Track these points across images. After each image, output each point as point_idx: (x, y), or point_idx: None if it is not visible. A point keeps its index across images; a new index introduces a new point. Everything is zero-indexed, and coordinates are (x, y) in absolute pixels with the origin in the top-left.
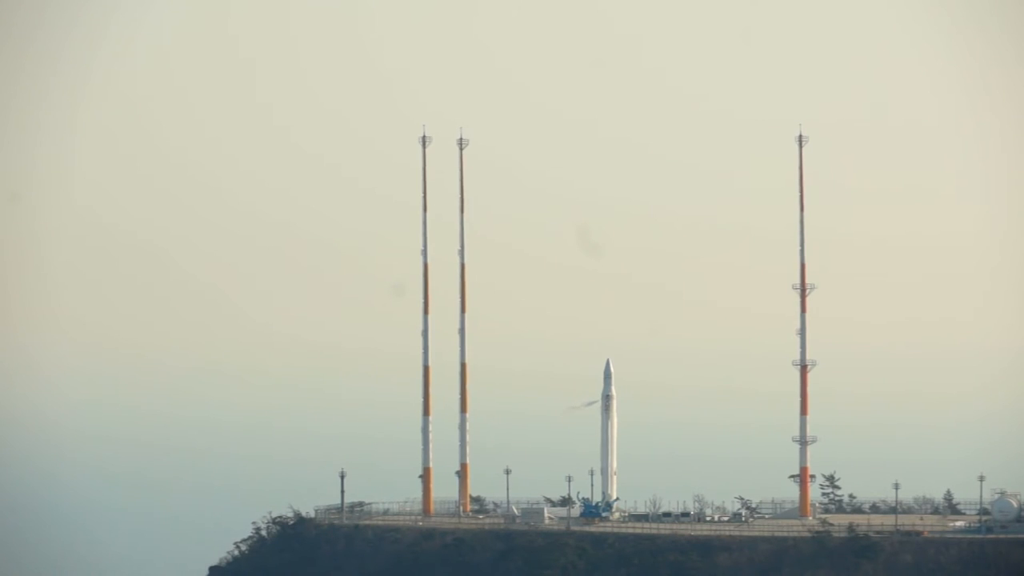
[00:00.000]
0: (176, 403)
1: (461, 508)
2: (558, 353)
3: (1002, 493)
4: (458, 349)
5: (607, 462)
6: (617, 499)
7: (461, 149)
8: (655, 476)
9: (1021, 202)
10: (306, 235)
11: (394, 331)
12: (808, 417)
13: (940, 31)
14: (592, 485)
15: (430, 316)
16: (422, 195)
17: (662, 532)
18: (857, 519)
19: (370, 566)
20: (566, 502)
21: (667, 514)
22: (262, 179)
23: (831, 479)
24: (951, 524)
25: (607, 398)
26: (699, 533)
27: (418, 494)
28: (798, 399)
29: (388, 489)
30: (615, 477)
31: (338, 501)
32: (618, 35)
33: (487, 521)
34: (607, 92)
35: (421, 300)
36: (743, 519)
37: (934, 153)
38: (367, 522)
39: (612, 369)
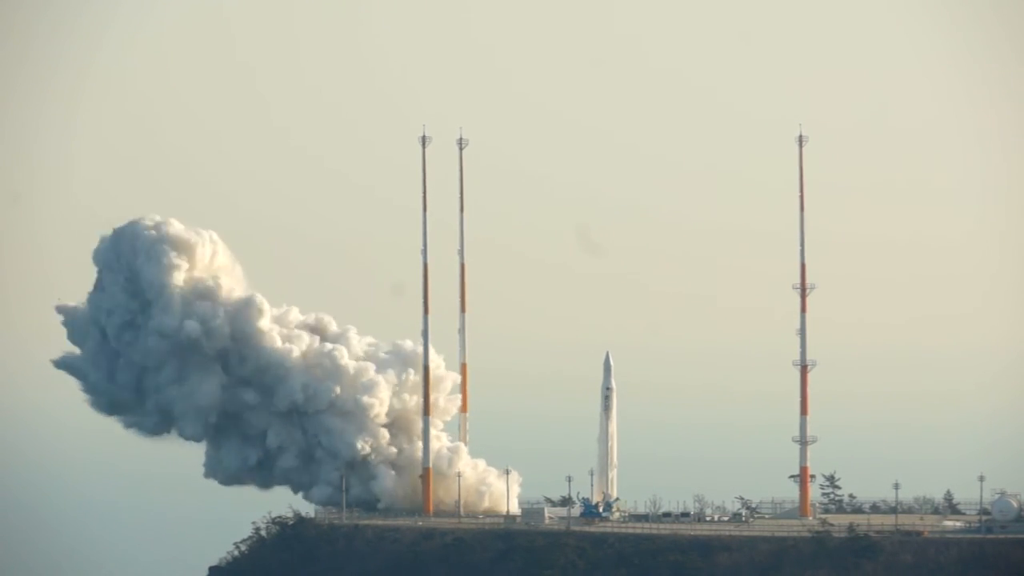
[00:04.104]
0: None
1: (461, 508)
2: (558, 353)
3: (1002, 493)
4: (458, 349)
5: (606, 461)
6: (617, 499)
7: (461, 149)
8: (655, 476)
9: (1021, 202)
10: (306, 235)
11: (394, 331)
12: (808, 417)
13: (940, 31)
14: (592, 485)
15: (430, 316)
16: (422, 195)
17: (662, 532)
18: (857, 519)
19: (370, 566)
20: (566, 502)
21: (667, 514)
22: (262, 179)
23: (831, 479)
24: (945, 524)
25: (607, 390)
26: (699, 533)
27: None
28: (798, 399)
29: None
30: (615, 471)
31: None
32: (618, 35)
33: (487, 521)
34: (607, 92)
35: (421, 300)
36: (743, 519)
37: (934, 152)
38: (367, 522)
39: (612, 362)
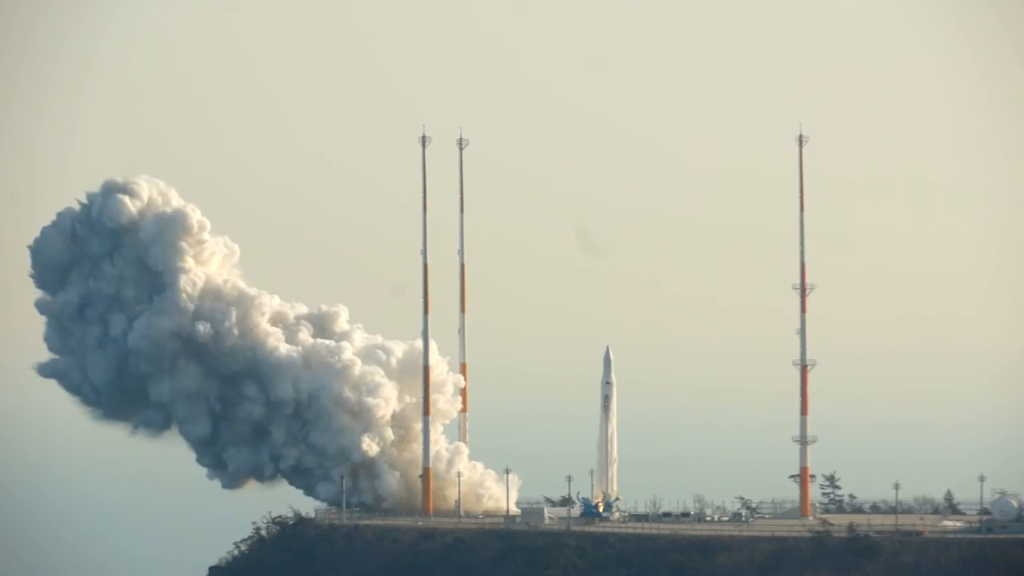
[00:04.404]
0: None
1: (460, 508)
2: (558, 353)
3: (1002, 493)
4: (458, 349)
5: (606, 459)
6: (618, 499)
7: (461, 149)
8: (655, 476)
9: (1022, 201)
10: (305, 234)
11: (394, 331)
12: (808, 417)
13: (941, 30)
14: (592, 485)
15: (430, 316)
16: (422, 195)
17: (662, 532)
18: (857, 519)
19: (370, 566)
20: (566, 502)
21: (667, 514)
22: (262, 178)
23: (831, 479)
24: (943, 524)
25: (607, 384)
26: (699, 533)
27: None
28: (798, 399)
29: None
30: (615, 466)
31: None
32: (619, 34)
33: (487, 521)
34: (608, 92)
35: (421, 300)
36: (743, 519)
37: (935, 152)
38: (367, 522)
39: (612, 356)
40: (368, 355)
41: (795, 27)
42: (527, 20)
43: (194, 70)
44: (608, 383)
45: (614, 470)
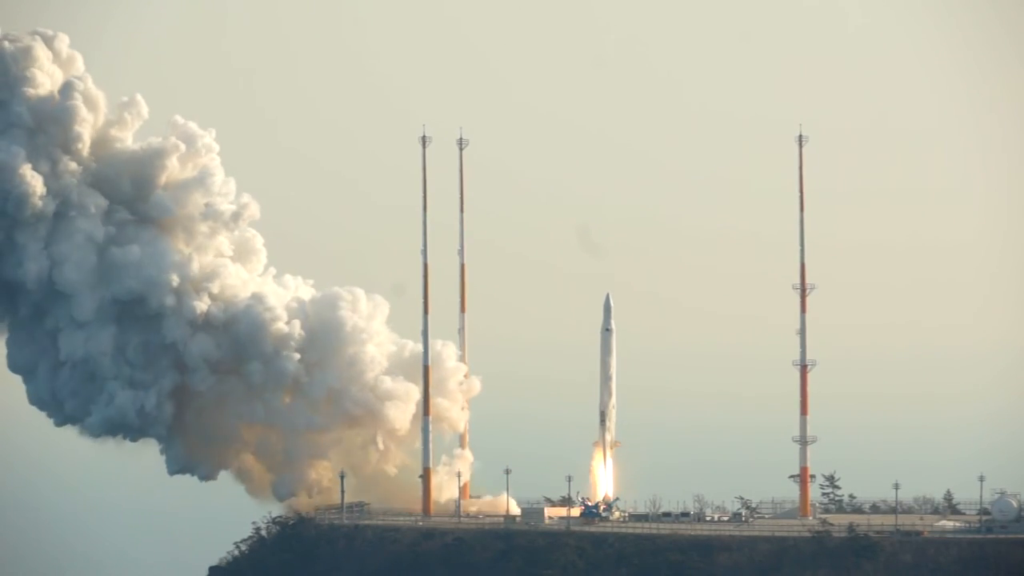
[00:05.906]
0: None
1: (460, 508)
2: (558, 354)
3: (1002, 493)
4: (458, 349)
5: (606, 399)
6: (617, 499)
7: (461, 149)
8: (655, 476)
9: (1022, 203)
10: (304, 235)
11: (394, 331)
12: (808, 417)
13: (941, 32)
14: (591, 485)
15: (430, 316)
16: (422, 195)
17: (662, 532)
18: (857, 519)
19: (370, 566)
20: (566, 502)
21: (667, 514)
22: (261, 180)
23: (831, 479)
24: (940, 524)
25: (607, 332)
26: (699, 533)
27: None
28: (798, 399)
29: None
30: (612, 399)
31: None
32: (619, 36)
33: (487, 521)
34: (608, 93)
35: (421, 300)
36: (743, 519)
37: (934, 154)
38: (367, 522)
39: (612, 303)
40: (389, 356)
41: (795, 29)
42: (527, 21)
43: (190, 72)
44: (608, 330)
45: (612, 401)
